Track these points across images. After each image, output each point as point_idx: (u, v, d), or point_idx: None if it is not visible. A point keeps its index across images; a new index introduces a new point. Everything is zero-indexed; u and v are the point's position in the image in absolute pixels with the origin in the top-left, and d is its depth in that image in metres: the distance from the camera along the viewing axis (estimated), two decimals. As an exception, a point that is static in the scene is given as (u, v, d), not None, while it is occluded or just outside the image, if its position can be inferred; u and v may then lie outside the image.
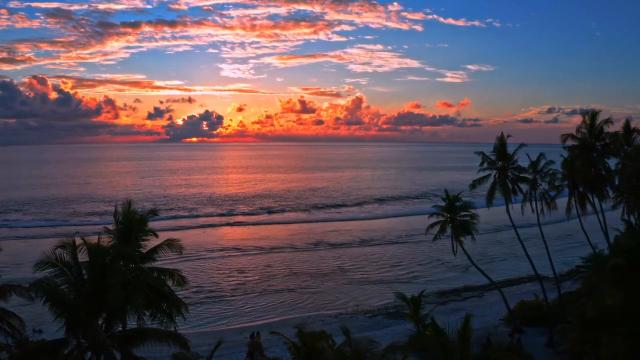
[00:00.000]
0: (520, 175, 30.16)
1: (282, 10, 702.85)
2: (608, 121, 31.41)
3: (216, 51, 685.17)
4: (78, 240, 18.27)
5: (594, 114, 31.31)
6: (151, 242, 22.01)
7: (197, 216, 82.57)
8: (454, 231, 29.78)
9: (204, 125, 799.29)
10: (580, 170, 30.41)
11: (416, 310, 26.69)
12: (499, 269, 47.98)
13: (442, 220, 30.15)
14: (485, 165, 30.64)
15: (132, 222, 21.75)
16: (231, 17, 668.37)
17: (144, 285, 19.57)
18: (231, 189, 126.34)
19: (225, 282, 45.52)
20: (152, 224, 22.40)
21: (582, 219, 33.09)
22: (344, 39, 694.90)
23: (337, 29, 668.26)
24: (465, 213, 30.10)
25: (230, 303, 40.09)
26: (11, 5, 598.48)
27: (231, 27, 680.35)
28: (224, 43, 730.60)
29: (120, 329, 19.15)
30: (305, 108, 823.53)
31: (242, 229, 73.43)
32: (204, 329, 35.35)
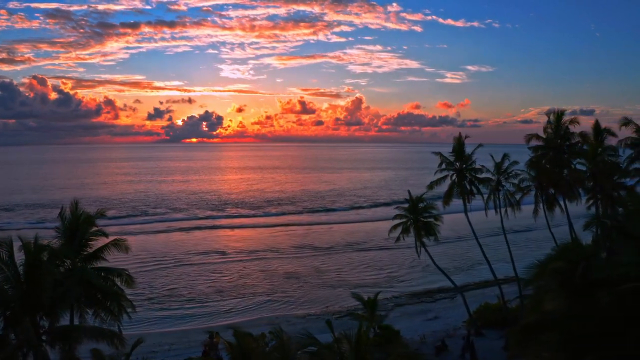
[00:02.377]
0: (477, 176, 29.88)
1: (282, 10, 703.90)
2: (574, 121, 31.11)
3: (216, 52, 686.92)
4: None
5: (559, 113, 31.02)
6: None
7: (182, 219, 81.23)
8: (416, 232, 29.54)
9: (204, 126, 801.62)
10: (546, 170, 30.10)
11: (372, 312, 26.51)
12: (481, 272, 47.61)
13: (405, 221, 29.92)
14: (443, 166, 30.34)
15: (78, 223, 21.84)
16: (230, 18, 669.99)
17: (78, 283, 19.51)
18: (224, 190, 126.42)
19: (201, 283, 45.44)
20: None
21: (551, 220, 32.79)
22: (343, 39, 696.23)
23: (337, 29, 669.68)
24: (429, 214, 29.86)
25: (204, 303, 40.10)
26: (10, 5, 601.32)
27: (230, 28, 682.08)
28: (224, 44, 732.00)
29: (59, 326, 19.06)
30: (305, 109, 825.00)
31: (226, 231, 72.88)
32: (171, 328, 35.38)
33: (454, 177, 30.09)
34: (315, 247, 60.13)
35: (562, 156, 30.42)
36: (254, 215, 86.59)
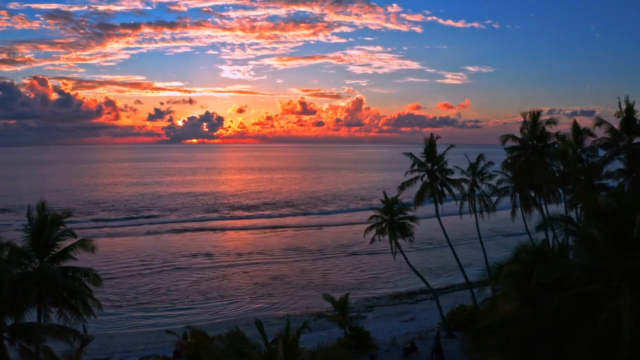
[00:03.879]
0: (449, 177, 29.82)
1: (282, 11, 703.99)
2: (551, 121, 31.03)
3: (216, 52, 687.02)
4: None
5: (535, 113, 30.93)
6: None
7: (174, 221, 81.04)
8: (390, 233, 29.53)
9: (204, 127, 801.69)
10: (521, 171, 30.04)
11: (343, 313, 26.50)
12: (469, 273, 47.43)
13: (380, 222, 29.89)
14: (415, 166, 30.28)
15: (44, 223, 21.98)
16: (231, 19, 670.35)
17: (42, 281, 19.65)
18: (220, 191, 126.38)
19: (186, 284, 45.54)
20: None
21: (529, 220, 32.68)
22: (343, 40, 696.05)
23: (337, 30, 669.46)
24: (404, 215, 29.84)
25: (187, 305, 40.27)
26: (11, 6, 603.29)
27: (231, 29, 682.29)
28: (224, 44, 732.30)
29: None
30: (306, 109, 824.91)
31: (216, 233, 72.44)
32: (152, 328, 35.49)
33: (425, 178, 30.03)
34: (304, 249, 60.00)
35: (537, 157, 30.30)
36: (246, 217, 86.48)
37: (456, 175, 30.87)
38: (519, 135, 31.84)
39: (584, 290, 15.35)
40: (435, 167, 29.61)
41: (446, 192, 29.64)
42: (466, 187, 30.42)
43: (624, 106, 29.15)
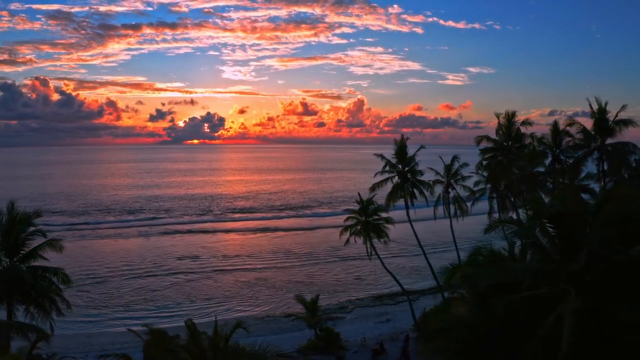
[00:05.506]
0: (419, 178, 29.91)
1: (283, 12, 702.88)
2: (526, 122, 31.04)
3: (217, 53, 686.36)
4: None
5: (510, 114, 30.93)
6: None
7: (165, 224, 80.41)
8: (365, 233, 29.64)
9: (206, 128, 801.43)
10: (494, 172, 30.09)
11: (313, 314, 26.63)
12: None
13: (354, 223, 30.01)
14: (387, 168, 30.36)
15: (14, 222, 22.22)
16: (232, 20, 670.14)
17: (7, 280, 19.93)
18: (217, 193, 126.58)
19: (170, 286, 45.77)
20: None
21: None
22: (344, 41, 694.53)
23: (338, 31, 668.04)
24: (378, 217, 29.94)
25: (169, 305, 40.47)
26: (12, 7, 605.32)
27: (232, 30, 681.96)
28: (225, 45, 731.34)
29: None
30: (307, 110, 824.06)
31: (208, 235, 72.29)
32: (133, 328, 35.57)
33: (395, 180, 30.11)
34: (292, 251, 59.96)
35: (511, 158, 30.37)
36: (240, 219, 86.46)
37: (431, 177, 30.95)
38: (494, 137, 31.83)
39: (532, 293, 15.40)
40: (406, 168, 29.71)
41: (417, 194, 29.70)
42: (441, 188, 30.48)
43: (595, 107, 29.10)
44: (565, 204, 15.00)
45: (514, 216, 33.10)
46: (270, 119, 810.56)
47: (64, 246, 22.94)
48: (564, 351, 12.82)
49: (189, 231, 73.96)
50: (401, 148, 29.53)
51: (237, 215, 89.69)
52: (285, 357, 16.34)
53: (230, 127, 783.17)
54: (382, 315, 35.03)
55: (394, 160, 30.12)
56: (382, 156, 30.24)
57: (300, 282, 46.35)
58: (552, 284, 15.38)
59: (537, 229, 14.88)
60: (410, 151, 30.91)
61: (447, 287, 17.82)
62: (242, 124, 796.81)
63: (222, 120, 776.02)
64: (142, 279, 47.69)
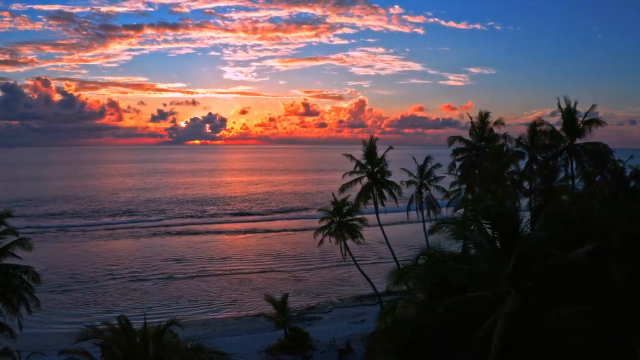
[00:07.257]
0: (387, 179, 30.04)
1: (284, 13, 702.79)
2: (499, 122, 31.10)
3: (218, 54, 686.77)
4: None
5: (483, 115, 31.00)
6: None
7: (157, 225, 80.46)
8: (338, 233, 29.82)
9: (207, 128, 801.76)
10: (467, 173, 30.17)
11: (282, 314, 26.83)
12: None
13: (328, 224, 30.18)
14: (357, 168, 30.50)
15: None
16: (233, 20, 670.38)
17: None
18: (214, 193, 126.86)
19: (153, 286, 46.10)
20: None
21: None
22: (345, 41, 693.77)
23: (339, 31, 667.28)
24: (352, 217, 30.10)
25: (151, 305, 40.76)
26: (13, 7, 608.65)
27: (233, 30, 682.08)
28: (226, 46, 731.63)
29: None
30: (308, 111, 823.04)
31: (200, 236, 72.43)
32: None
33: (364, 180, 30.25)
34: (282, 252, 59.97)
35: (482, 158, 30.44)
36: (234, 221, 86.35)
37: (405, 178, 31.05)
38: (468, 137, 31.92)
39: (476, 295, 15.48)
40: (376, 169, 29.87)
41: (386, 194, 29.84)
42: (413, 189, 30.59)
43: (564, 106, 29.08)
44: (503, 205, 15.08)
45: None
46: (271, 119, 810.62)
47: (33, 245, 23.37)
48: (493, 355, 12.90)
49: (182, 232, 74.28)
50: (370, 149, 29.69)
51: (231, 217, 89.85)
52: (221, 354, 16.53)
53: (232, 128, 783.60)
54: (358, 316, 35.15)
55: (363, 161, 30.28)
56: (351, 157, 30.38)
57: (284, 283, 46.50)
58: (495, 285, 15.50)
59: (475, 229, 14.95)
60: (379, 152, 31.32)
61: (394, 287, 17.86)
62: (244, 124, 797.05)
63: (223, 120, 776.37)
64: (128, 280, 48.02)
